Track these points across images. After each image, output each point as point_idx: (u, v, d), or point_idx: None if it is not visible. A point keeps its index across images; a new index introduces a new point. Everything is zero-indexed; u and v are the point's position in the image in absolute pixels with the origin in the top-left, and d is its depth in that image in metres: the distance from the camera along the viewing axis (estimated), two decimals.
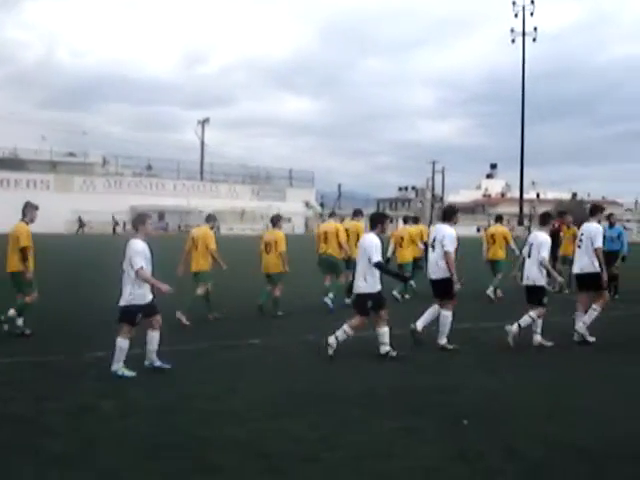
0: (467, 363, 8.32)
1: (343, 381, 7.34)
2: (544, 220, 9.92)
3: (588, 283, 9.83)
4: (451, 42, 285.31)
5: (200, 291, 11.32)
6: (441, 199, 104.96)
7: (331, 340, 8.35)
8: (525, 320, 9.21)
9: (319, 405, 6.39)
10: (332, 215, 14.23)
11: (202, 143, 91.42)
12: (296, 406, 6.37)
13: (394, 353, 8.41)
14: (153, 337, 7.54)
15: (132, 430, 5.63)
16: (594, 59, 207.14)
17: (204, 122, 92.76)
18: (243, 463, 4.92)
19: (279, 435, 5.53)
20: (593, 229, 9.80)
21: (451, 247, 9.02)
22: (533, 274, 9.32)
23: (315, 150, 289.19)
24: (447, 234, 9.10)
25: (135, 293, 7.35)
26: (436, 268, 9.19)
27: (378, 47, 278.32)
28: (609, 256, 14.97)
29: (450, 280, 9.04)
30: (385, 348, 8.45)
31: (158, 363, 7.64)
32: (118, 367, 7.33)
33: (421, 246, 14.97)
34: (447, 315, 9.06)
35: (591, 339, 9.56)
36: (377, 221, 8.76)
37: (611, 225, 15.44)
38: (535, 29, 52.64)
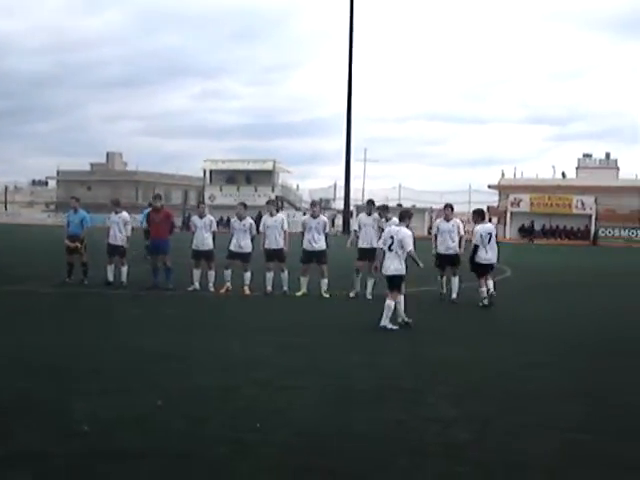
0: None
1: None
2: None
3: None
4: None
5: None
6: None
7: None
8: None
9: None
10: None
11: None
12: None
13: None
14: (390, 305, 9.63)
15: None
16: None
17: None
18: None
19: None
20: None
21: None
22: None
23: None
24: None
25: (399, 267, 9.73)
26: None
27: None
28: (73, 239, 15.94)
29: None
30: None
31: (389, 325, 9.57)
32: (386, 323, 9.63)
33: None
34: None
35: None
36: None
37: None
38: None
